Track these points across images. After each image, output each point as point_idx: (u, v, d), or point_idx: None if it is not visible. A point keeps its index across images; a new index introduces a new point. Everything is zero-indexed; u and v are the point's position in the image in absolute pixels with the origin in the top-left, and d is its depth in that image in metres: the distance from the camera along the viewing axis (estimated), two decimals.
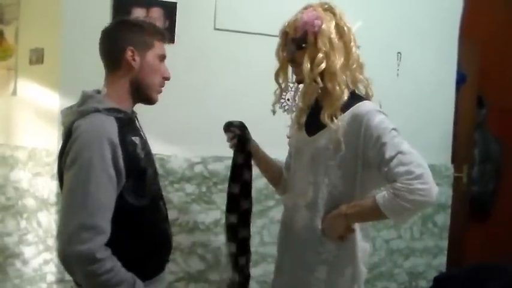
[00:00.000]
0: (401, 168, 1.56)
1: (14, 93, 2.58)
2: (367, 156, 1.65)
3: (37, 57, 2.42)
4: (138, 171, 1.54)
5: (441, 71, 3.08)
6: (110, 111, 1.52)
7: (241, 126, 1.96)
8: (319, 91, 1.71)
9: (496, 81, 3.98)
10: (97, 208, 1.41)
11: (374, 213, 1.63)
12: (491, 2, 3.90)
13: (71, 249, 1.38)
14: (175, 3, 2.40)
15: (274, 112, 1.88)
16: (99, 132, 1.45)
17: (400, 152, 1.58)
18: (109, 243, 1.43)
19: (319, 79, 1.69)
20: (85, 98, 1.55)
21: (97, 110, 1.50)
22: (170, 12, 2.37)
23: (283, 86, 1.83)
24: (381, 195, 1.60)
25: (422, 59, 2.98)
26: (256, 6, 2.58)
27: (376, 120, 1.63)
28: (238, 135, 1.93)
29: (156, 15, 2.33)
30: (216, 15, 2.50)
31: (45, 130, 2.36)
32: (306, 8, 1.74)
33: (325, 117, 1.67)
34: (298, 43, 1.72)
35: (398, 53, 2.92)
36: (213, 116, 2.47)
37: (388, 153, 1.59)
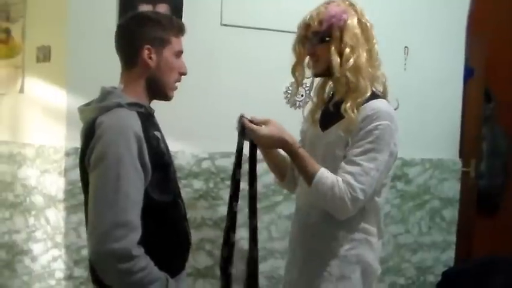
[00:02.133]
0: (351, 181, 1.62)
1: (22, 90, 2.59)
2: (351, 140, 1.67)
3: (44, 55, 2.42)
4: (162, 166, 1.53)
5: (448, 65, 3.06)
6: (131, 105, 1.50)
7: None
8: (351, 85, 1.70)
9: (503, 75, 3.95)
10: (129, 204, 1.39)
11: (305, 175, 1.69)
12: None
13: (107, 247, 1.35)
14: None
15: (292, 106, 1.88)
16: (124, 127, 1.43)
17: (362, 166, 1.62)
18: None
19: (349, 74, 1.68)
20: (105, 93, 1.53)
21: (120, 105, 1.48)
22: (177, 8, 2.37)
23: (299, 80, 1.82)
24: (324, 175, 1.64)
25: (430, 53, 2.97)
26: (263, 2, 2.57)
27: (374, 124, 1.64)
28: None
29: (162, 11, 2.32)
30: (222, 10, 2.49)
31: (53, 127, 2.37)
32: (328, 3, 1.74)
33: (347, 108, 1.67)
34: (321, 36, 1.71)
35: (406, 47, 2.91)
36: (220, 112, 2.47)
37: (356, 157, 1.63)
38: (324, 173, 1.65)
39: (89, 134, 1.47)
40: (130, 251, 1.37)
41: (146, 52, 1.53)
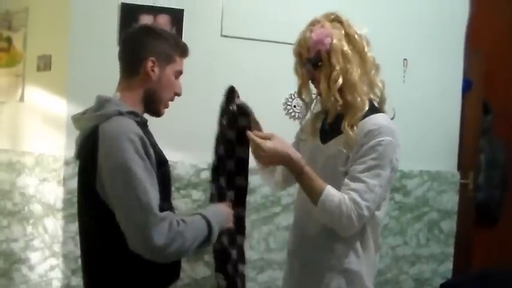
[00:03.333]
0: (357, 199, 1.61)
1: (22, 99, 2.60)
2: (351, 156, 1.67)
3: (45, 63, 2.43)
4: (164, 173, 1.55)
5: (447, 78, 3.08)
6: (129, 114, 1.50)
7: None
8: (339, 108, 1.71)
9: (501, 88, 3.97)
10: (153, 202, 1.41)
11: (311, 194, 1.66)
12: (496, 9, 3.90)
13: (158, 248, 1.40)
14: (182, 10, 2.41)
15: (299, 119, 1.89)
16: (129, 133, 1.43)
17: (366, 184, 1.62)
18: (127, 249, 1.43)
19: (337, 96, 1.68)
20: (102, 102, 1.53)
21: (120, 113, 1.48)
22: (177, 19, 2.39)
23: (307, 101, 1.81)
24: (331, 193, 1.62)
25: (429, 66, 2.98)
26: (263, 13, 2.59)
27: (376, 140, 1.64)
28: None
29: (163, 22, 2.34)
30: (222, 21, 2.51)
31: (53, 136, 2.37)
32: (313, 25, 1.72)
33: (345, 126, 1.67)
34: (313, 63, 1.71)
35: (405, 59, 2.93)
36: None
37: (360, 174, 1.63)
38: (330, 191, 1.63)
39: (90, 143, 1.47)
40: (172, 242, 1.41)
41: (150, 64, 1.55)
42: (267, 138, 1.66)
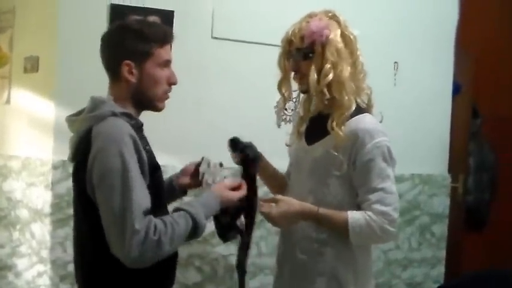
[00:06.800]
0: (381, 208, 1.64)
1: (8, 101, 2.55)
2: (352, 173, 1.68)
3: (32, 65, 2.39)
4: (157, 179, 1.51)
5: (437, 81, 3.09)
6: (123, 115, 1.46)
7: (244, 148, 1.81)
8: (326, 102, 1.70)
9: (490, 91, 4.00)
10: (134, 210, 1.36)
11: (338, 229, 1.68)
12: (485, 14, 3.93)
13: (138, 258, 1.35)
14: (173, 11, 2.39)
15: (279, 125, 1.87)
16: (123, 135, 1.39)
17: (383, 189, 1.65)
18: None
19: (325, 90, 1.67)
20: (97, 103, 1.48)
21: (114, 114, 1.44)
22: (167, 20, 2.35)
23: (286, 95, 1.80)
24: (355, 218, 1.64)
25: (419, 69, 2.99)
26: (254, 15, 2.57)
27: (372, 143, 1.65)
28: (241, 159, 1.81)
29: None
30: (213, 23, 2.49)
31: (40, 139, 2.33)
32: (310, 17, 1.72)
33: (333, 126, 1.66)
34: (304, 53, 1.69)
35: (395, 62, 2.93)
36: (210, 126, 2.45)
37: (373, 184, 1.65)
38: (353, 217, 1.65)
39: (84, 145, 1.43)
40: (147, 239, 1.35)
41: (126, 68, 1.48)
42: (272, 202, 1.69)
